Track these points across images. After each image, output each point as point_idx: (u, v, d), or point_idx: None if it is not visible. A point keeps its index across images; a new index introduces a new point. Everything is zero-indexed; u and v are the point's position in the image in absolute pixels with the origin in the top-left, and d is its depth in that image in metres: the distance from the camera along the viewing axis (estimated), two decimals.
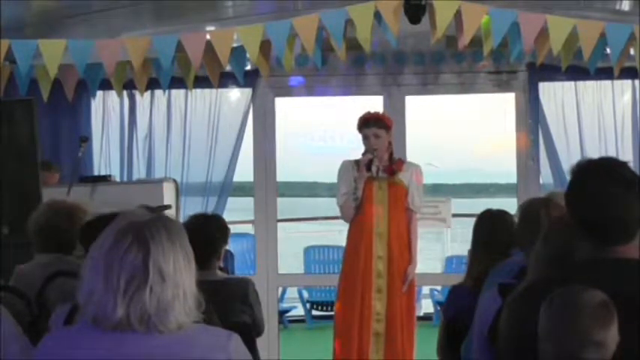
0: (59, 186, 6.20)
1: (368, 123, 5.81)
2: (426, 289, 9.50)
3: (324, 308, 9.95)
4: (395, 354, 5.76)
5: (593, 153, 6.77)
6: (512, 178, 7.41)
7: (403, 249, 5.84)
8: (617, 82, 6.94)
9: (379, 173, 5.83)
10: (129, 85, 6.19)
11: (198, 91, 7.04)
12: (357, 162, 5.89)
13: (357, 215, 5.84)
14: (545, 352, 2.10)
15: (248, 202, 7.91)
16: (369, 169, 5.80)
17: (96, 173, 7.18)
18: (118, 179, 7.00)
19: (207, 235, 3.92)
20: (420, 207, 5.95)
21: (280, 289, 8.97)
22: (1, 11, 5.26)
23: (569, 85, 7.06)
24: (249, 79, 6.69)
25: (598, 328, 2.06)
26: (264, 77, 6.38)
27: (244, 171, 7.60)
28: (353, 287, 5.82)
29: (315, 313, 10.01)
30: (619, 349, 2.07)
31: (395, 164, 5.87)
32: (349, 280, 5.85)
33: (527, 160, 7.13)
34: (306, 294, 9.96)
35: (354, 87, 7.40)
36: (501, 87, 7.24)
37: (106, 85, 6.16)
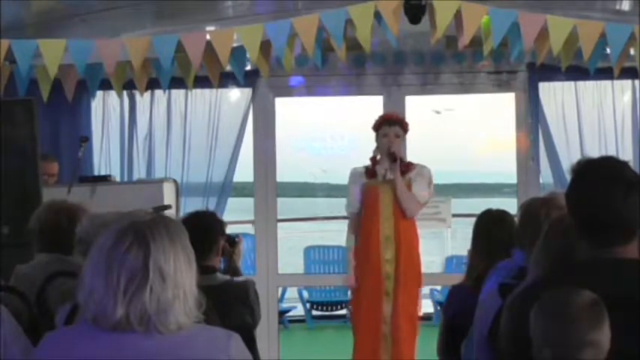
0: (59, 186, 6.19)
1: (390, 121, 5.87)
2: (426, 289, 9.48)
3: (324, 308, 9.96)
4: (400, 355, 5.75)
5: (593, 153, 6.67)
6: (512, 178, 7.40)
7: (411, 251, 5.83)
8: (617, 82, 6.93)
9: (385, 176, 5.82)
10: (129, 85, 6.18)
11: (198, 91, 7.03)
12: (366, 168, 5.91)
13: (364, 219, 5.84)
14: (541, 356, 2.10)
15: (248, 202, 7.91)
16: (393, 160, 5.74)
17: (96, 173, 7.18)
18: (118, 179, 6.99)
19: (203, 226, 3.91)
20: (423, 196, 5.84)
21: (280, 289, 8.96)
22: (1, 11, 5.26)
23: (569, 85, 7.06)
24: (249, 79, 6.69)
25: (592, 329, 2.06)
26: (264, 77, 6.36)
27: (244, 171, 7.59)
28: (364, 290, 5.83)
29: (315, 313, 10.01)
30: (618, 349, 2.07)
31: (404, 165, 5.85)
32: (360, 283, 5.86)
33: (527, 160, 7.13)
34: (306, 294, 9.95)
35: (354, 87, 7.40)
36: (501, 87, 7.24)
37: (106, 85, 6.15)
